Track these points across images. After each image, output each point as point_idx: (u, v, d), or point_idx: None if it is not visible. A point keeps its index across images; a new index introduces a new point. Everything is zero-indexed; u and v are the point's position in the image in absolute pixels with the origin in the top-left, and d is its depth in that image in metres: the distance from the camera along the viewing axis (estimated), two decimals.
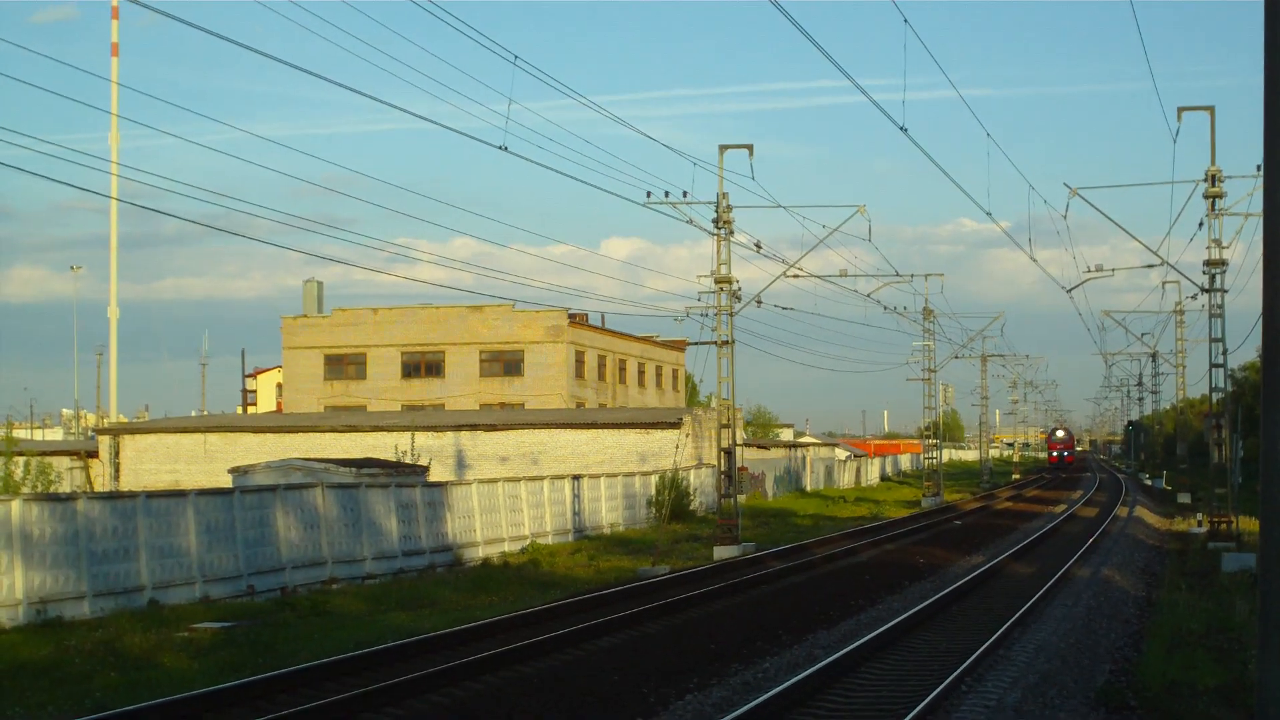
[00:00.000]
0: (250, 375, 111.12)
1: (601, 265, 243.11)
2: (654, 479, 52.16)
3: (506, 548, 39.32)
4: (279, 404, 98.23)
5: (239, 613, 25.96)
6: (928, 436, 78.29)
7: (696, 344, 42.54)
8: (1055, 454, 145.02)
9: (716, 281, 40.42)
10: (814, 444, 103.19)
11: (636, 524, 49.57)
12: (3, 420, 52.44)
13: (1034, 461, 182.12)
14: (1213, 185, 38.19)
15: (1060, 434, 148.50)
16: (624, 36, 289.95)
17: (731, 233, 40.10)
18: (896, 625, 22.37)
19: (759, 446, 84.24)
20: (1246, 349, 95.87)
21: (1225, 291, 39.19)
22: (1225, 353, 39.58)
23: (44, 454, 51.92)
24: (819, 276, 50.49)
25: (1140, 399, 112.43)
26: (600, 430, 62.69)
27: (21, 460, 40.08)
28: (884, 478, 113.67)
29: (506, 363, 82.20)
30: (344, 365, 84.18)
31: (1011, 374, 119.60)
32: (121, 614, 25.07)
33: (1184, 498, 67.25)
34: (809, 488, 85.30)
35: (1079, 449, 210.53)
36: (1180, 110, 38.02)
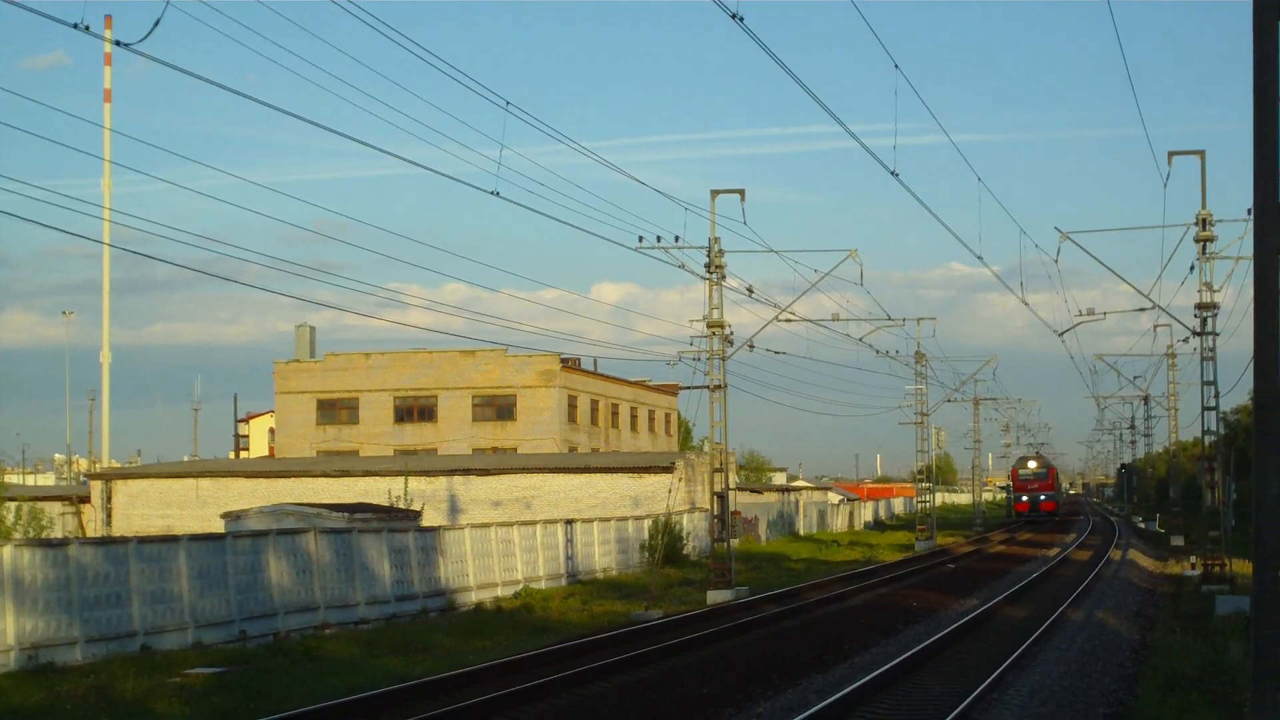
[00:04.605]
0: (242, 420, 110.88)
1: (593, 310, 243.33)
2: (647, 523, 52.09)
3: (500, 592, 39.24)
4: (271, 449, 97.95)
5: (231, 658, 25.88)
6: (920, 480, 78.28)
7: (689, 388, 42.60)
8: (1025, 498, 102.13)
9: (708, 326, 40.50)
10: (807, 488, 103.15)
11: (630, 568, 49.47)
12: None
13: None
14: (1204, 229, 38.31)
15: (1033, 465, 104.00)
16: (616, 82, 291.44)
17: (723, 277, 40.21)
18: (890, 669, 22.33)
19: (752, 490, 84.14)
20: (1238, 392, 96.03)
21: (1217, 335, 39.28)
22: (1217, 396, 39.65)
23: (36, 499, 51.87)
24: (811, 321, 50.62)
25: (1133, 442, 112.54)
26: (593, 475, 62.68)
27: (13, 505, 40.03)
28: (877, 521, 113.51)
29: (499, 407, 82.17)
30: (336, 410, 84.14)
31: (1004, 417, 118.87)
32: (114, 659, 25.00)
33: (1177, 540, 67.15)
34: (802, 532, 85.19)
35: (1070, 492, 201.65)
36: (1171, 154, 38.15)
